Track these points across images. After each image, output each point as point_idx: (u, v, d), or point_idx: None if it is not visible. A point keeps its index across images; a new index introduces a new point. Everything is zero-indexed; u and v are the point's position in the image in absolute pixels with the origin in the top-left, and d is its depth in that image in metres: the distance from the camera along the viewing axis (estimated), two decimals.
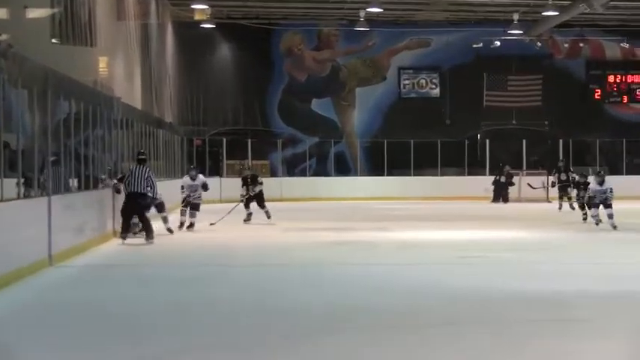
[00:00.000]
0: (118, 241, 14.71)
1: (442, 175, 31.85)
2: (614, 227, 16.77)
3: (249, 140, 31.87)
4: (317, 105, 33.73)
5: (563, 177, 23.82)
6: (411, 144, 31.76)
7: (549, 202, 26.75)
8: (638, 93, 34.05)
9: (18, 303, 8.91)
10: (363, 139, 33.43)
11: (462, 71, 33.13)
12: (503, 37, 31.37)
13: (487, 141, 32.70)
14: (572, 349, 6.72)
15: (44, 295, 9.55)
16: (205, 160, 30.75)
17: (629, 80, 34.06)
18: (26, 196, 11.08)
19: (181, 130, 29.22)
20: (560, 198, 23.74)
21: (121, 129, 17.35)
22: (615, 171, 32.22)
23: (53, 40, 17.05)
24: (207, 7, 28.53)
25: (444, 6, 30.50)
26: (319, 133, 33.08)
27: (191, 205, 17.35)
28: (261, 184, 19.26)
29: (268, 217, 19.12)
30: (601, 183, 17.07)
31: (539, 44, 32.25)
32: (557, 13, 28.09)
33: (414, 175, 31.63)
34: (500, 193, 28.88)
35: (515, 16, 29.58)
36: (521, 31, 30.58)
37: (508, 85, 33.77)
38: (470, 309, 8.47)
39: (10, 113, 11.25)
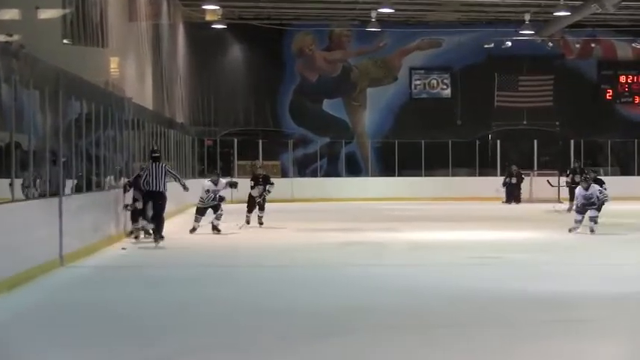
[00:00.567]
0: (126, 242, 14.74)
1: (453, 175, 31.85)
2: (592, 231, 16.50)
3: (260, 141, 31.88)
4: (328, 105, 33.76)
5: (577, 178, 23.67)
6: (422, 144, 31.76)
7: (561, 202, 26.65)
8: None
9: (30, 303, 9.00)
10: (374, 140, 33.44)
11: (473, 71, 33.09)
12: (514, 38, 31.30)
13: (498, 141, 32.64)
14: (579, 349, 6.73)
15: (55, 296, 9.64)
16: (216, 161, 30.80)
17: None
18: (41, 196, 11.16)
19: (192, 130, 29.30)
20: (571, 200, 23.61)
21: (132, 129, 17.40)
22: (627, 171, 32.19)
23: (65, 41, 17.09)
24: (218, 7, 28.57)
25: (455, 6, 30.48)
26: (330, 134, 33.09)
27: (213, 207, 16.85)
28: (272, 184, 18.63)
29: (260, 223, 18.33)
30: (587, 188, 16.88)
31: (550, 44, 32.12)
32: (568, 14, 28.02)
33: (425, 175, 31.62)
34: (513, 194, 28.79)
35: (527, 17, 29.49)
36: (533, 32, 30.48)
37: (519, 86, 33.71)
38: (478, 310, 8.46)
39: (22, 114, 11.32)
